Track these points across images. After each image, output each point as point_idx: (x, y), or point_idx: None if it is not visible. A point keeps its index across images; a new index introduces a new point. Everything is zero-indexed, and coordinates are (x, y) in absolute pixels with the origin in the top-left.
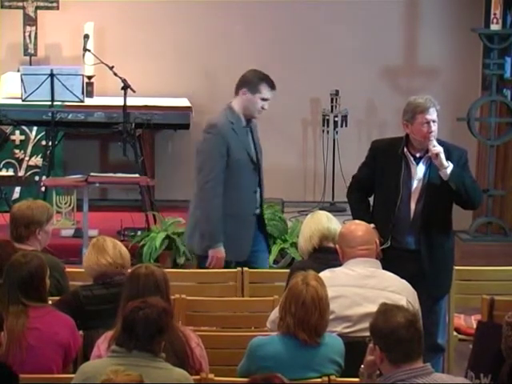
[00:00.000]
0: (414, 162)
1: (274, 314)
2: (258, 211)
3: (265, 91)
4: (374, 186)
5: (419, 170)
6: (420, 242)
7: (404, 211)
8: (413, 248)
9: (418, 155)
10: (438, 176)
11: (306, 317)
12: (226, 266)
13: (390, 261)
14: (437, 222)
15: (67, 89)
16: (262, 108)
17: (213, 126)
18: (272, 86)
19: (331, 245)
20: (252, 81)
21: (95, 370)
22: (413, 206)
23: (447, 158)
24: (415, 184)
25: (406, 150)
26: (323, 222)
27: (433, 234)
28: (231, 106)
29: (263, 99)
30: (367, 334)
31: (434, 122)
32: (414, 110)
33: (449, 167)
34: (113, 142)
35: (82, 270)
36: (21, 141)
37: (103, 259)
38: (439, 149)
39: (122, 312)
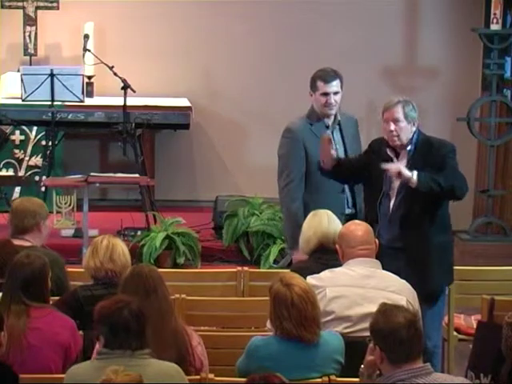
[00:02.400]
0: (394, 159)
1: None
2: (348, 211)
3: (321, 86)
4: (355, 171)
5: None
6: (396, 239)
7: (384, 208)
8: (393, 245)
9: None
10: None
11: (302, 314)
12: None
13: (378, 257)
14: (416, 219)
15: (67, 89)
16: (327, 102)
17: (288, 130)
18: (325, 78)
19: (331, 245)
20: (311, 81)
21: (85, 372)
22: (392, 201)
23: (427, 153)
24: (394, 180)
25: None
26: (324, 221)
27: (410, 232)
28: (313, 108)
29: (322, 94)
30: (367, 333)
31: (395, 121)
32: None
33: (413, 175)
34: (113, 142)
35: (82, 269)
36: (21, 141)
37: (92, 261)
38: (395, 166)
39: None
